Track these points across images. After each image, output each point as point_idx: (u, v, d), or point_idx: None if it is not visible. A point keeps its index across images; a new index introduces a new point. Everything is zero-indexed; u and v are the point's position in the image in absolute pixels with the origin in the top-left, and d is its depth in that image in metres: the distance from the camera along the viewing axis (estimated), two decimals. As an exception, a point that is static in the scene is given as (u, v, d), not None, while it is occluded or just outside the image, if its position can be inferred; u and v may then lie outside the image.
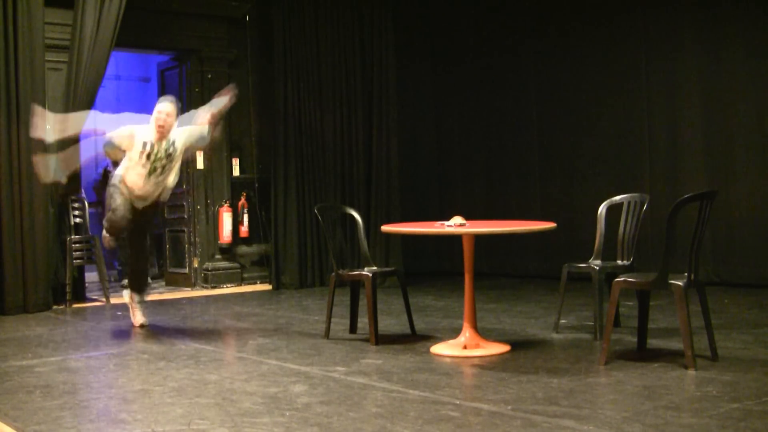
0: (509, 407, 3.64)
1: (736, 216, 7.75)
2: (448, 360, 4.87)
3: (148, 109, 10.79)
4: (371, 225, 8.76)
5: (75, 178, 8.20)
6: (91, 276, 8.60)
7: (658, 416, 3.47)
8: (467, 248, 5.14)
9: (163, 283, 9.37)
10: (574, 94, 8.97)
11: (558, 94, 9.14)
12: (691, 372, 4.26)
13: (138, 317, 6.27)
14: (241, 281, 9.23)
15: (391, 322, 6.27)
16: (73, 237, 7.83)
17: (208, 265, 9.11)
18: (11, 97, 7.23)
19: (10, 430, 3.55)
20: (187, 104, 9.22)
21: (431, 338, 5.51)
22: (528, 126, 9.40)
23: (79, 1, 7.45)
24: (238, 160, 9.37)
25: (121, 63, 10.73)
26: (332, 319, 5.72)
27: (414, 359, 4.82)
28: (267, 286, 9.09)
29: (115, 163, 9.40)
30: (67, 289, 7.64)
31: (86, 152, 7.06)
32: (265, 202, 9.20)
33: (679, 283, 4.33)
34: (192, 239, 9.16)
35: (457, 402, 3.80)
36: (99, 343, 5.75)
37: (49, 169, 6.03)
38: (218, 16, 9.11)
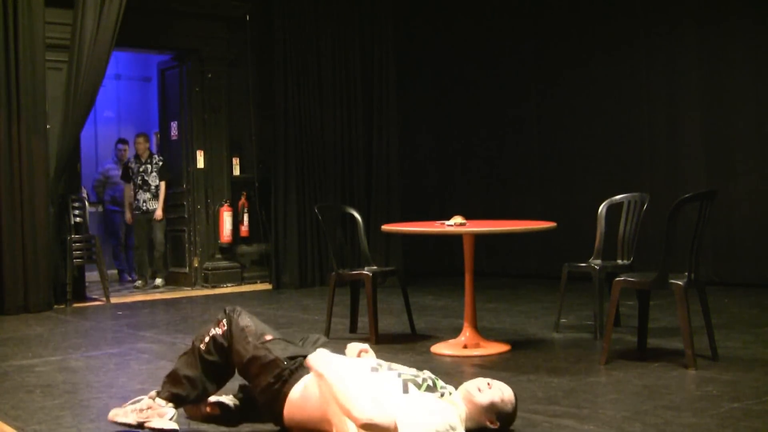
0: (509, 407, 3.64)
1: (736, 216, 7.75)
2: (448, 359, 4.88)
3: (148, 107, 10.91)
4: (371, 224, 8.76)
5: (75, 177, 8.22)
6: (91, 276, 8.60)
7: (658, 416, 3.47)
8: (467, 248, 5.14)
9: (163, 282, 9.32)
10: (575, 93, 8.96)
11: (558, 93, 9.14)
12: (692, 371, 4.26)
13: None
14: (241, 281, 9.23)
15: (392, 321, 6.27)
16: (73, 236, 7.83)
17: (209, 264, 9.11)
18: (11, 97, 7.23)
19: (10, 429, 3.55)
20: (187, 104, 9.25)
21: (431, 338, 5.51)
22: (528, 126, 9.40)
23: (79, 0, 7.45)
24: (238, 159, 9.37)
25: (121, 62, 10.73)
26: (332, 319, 5.72)
27: (414, 359, 4.82)
28: (267, 286, 9.09)
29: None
30: (68, 288, 7.64)
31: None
32: (266, 201, 9.20)
33: (680, 283, 4.33)
34: (192, 239, 9.17)
35: (458, 401, 3.80)
36: (99, 343, 5.75)
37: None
38: (218, 16, 9.11)
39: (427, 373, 3.23)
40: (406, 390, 3.06)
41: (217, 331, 3.37)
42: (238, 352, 3.34)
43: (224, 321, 3.39)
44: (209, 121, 9.17)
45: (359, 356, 3.47)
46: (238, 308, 3.46)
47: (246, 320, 3.40)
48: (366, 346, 3.53)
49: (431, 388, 3.12)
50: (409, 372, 3.19)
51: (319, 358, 3.17)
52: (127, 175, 9.41)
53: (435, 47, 10.13)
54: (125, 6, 7.52)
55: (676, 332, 4.82)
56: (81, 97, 7.53)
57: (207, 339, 3.38)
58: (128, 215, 9.78)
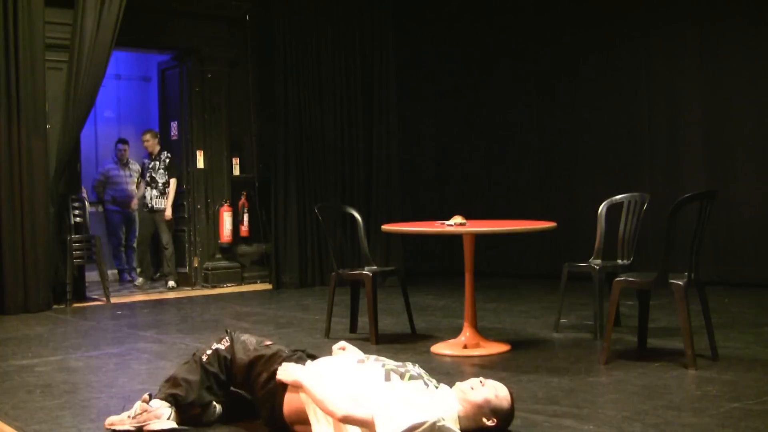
0: (509, 406, 3.64)
1: (736, 216, 7.75)
2: (448, 359, 4.88)
3: (148, 107, 10.90)
4: (371, 224, 8.76)
5: (75, 177, 8.21)
6: (91, 275, 8.59)
7: (658, 416, 3.47)
8: (467, 247, 5.14)
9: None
10: (575, 93, 8.96)
11: (558, 93, 9.14)
12: (692, 371, 4.26)
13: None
14: (241, 281, 9.23)
15: (392, 321, 6.27)
16: (73, 236, 7.83)
17: (209, 264, 9.10)
18: (11, 97, 7.22)
19: (11, 429, 3.55)
20: (187, 104, 9.24)
21: (431, 338, 5.51)
22: (528, 125, 9.40)
23: (79, 0, 7.45)
24: (238, 159, 9.37)
25: (121, 62, 10.73)
26: (332, 319, 5.72)
27: (414, 359, 4.80)
28: (267, 286, 9.08)
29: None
30: (68, 288, 7.64)
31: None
32: (266, 201, 9.20)
33: (680, 283, 4.33)
34: (192, 239, 9.16)
35: (458, 401, 3.79)
36: (99, 343, 5.75)
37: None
38: (218, 16, 9.11)
39: (415, 366, 3.28)
40: (388, 378, 3.14)
41: (220, 345, 3.50)
42: (241, 359, 3.45)
43: (226, 337, 3.53)
44: (209, 121, 9.17)
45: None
46: (238, 330, 3.62)
47: (246, 335, 3.56)
48: (343, 343, 3.68)
49: (415, 378, 3.17)
50: (393, 363, 3.27)
51: (292, 367, 3.30)
52: (143, 173, 9.45)
53: (435, 47, 10.13)
54: (125, 6, 7.52)
55: (676, 332, 4.82)
56: (81, 97, 7.54)
57: (209, 351, 3.50)
58: (134, 202, 9.88)
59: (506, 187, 9.54)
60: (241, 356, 3.45)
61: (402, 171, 9.60)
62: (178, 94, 9.39)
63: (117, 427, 3.39)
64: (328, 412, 3.05)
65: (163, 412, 3.37)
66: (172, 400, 3.40)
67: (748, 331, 5.45)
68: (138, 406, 3.40)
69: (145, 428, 3.34)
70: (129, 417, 3.39)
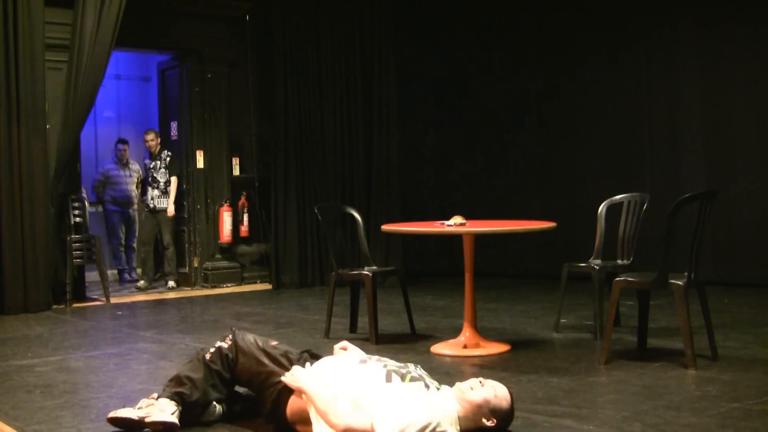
0: (509, 407, 3.63)
1: (736, 216, 7.75)
2: (448, 359, 4.88)
3: (148, 107, 10.90)
4: (371, 224, 8.76)
5: (75, 177, 8.21)
6: (91, 275, 8.59)
7: (658, 416, 3.47)
8: (467, 248, 5.14)
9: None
10: (575, 93, 8.96)
11: (558, 93, 9.14)
12: (691, 371, 4.26)
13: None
14: (241, 281, 9.23)
15: (392, 321, 6.27)
16: (73, 236, 7.83)
17: (208, 264, 9.10)
18: (11, 97, 7.23)
19: (10, 429, 3.55)
20: (187, 104, 9.24)
21: (431, 338, 5.51)
22: (528, 125, 9.40)
23: (79, 0, 7.45)
24: (238, 159, 9.37)
25: (121, 62, 10.73)
26: (332, 319, 5.72)
27: (414, 359, 4.81)
28: (267, 286, 9.08)
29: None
30: (67, 288, 7.64)
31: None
32: (266, 201, 9.20)
33: (680, 283, 4.33)
34: (192, 239, 9.16)
35: (458, 401, 3.79)
36: (99, 343, 5.75)
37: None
38: (218, 16, 9.11)
39: (417, 368, 3.29)
40: (389, 379, 3.15)
41: (223, 344, 3.52)
42: (247, 357, 3.46)
43: (230, 336, 3.54)
44: (209, 121, 9.17)
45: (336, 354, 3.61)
46: (243, 330, 3.63)
47: (250, 336, 3.57)
48: (344, 343, 3.68)
49: (416, 379, 3.17)
50: (395, 364, 3.28)
51: (299, 373, 3.30)
52: (145, 174, 9.46)
53: (435, 47, 10.13)
54: (125, 6, 7.52)
55: (676, 332, 4.82)
56: (81, 97, 7.53)
57: (212, 350, 3.52)
58: (134, 207, 9.93)
59: (506, 187, 9.54)
60: (247, 354, 3.47)
61: (402, 171, 9.60)
62: (178, 94, 9.39)
63: (120, 414, 3.42)
64: (331, 425, 3.07)
65: (167, 408, 3.40)
66: (179, 399, 3.43)
67: (747, 331, 5.45)
68: (144, 401, 3.46)
69: (147, 419, 3.36)
70: (133, 408, 3.45)
